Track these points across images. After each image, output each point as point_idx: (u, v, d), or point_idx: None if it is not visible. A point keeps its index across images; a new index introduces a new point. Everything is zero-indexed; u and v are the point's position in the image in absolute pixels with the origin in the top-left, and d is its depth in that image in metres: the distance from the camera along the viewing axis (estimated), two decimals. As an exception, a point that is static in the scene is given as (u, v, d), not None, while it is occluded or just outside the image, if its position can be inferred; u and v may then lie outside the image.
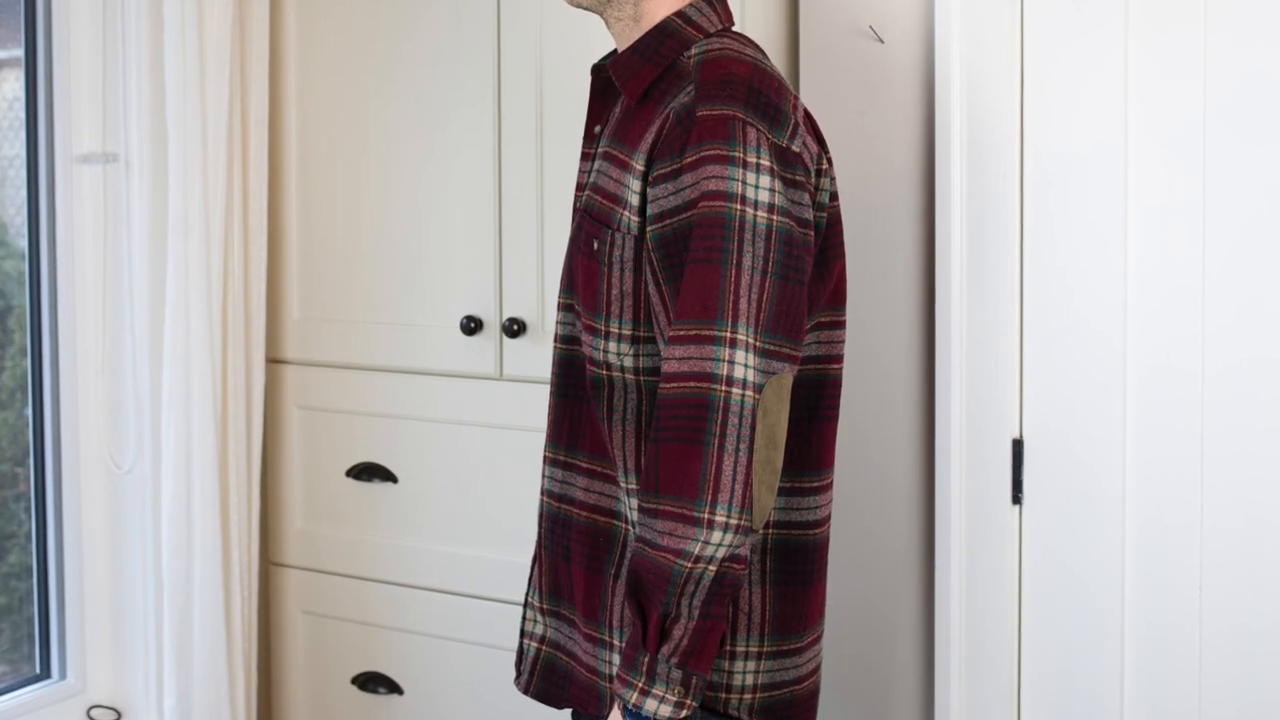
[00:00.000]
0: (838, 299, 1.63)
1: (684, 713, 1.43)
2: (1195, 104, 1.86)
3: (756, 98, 1.49)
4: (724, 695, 1.57)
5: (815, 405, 1.61)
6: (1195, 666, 1.89)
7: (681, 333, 1.43)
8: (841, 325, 1.64)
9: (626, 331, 1.55)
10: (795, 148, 1.50)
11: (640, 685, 1.43)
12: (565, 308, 1.65)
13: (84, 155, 2.45)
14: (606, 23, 1.64)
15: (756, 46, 1.61)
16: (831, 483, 1.64)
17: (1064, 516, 1.97)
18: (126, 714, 2.52)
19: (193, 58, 2.33)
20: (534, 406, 2.31)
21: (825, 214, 1.57)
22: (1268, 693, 1.85)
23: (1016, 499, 2.01)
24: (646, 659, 1.43)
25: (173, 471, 2.37)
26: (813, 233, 1.51)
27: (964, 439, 2.02)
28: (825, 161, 1.57)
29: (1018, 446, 2.00)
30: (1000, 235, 1.99)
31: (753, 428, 1.41)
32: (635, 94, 1.58)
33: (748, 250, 1.43)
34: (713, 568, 1.41)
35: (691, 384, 1.42)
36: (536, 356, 2.30)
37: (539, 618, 1.71)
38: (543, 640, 1.70)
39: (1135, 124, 1.90)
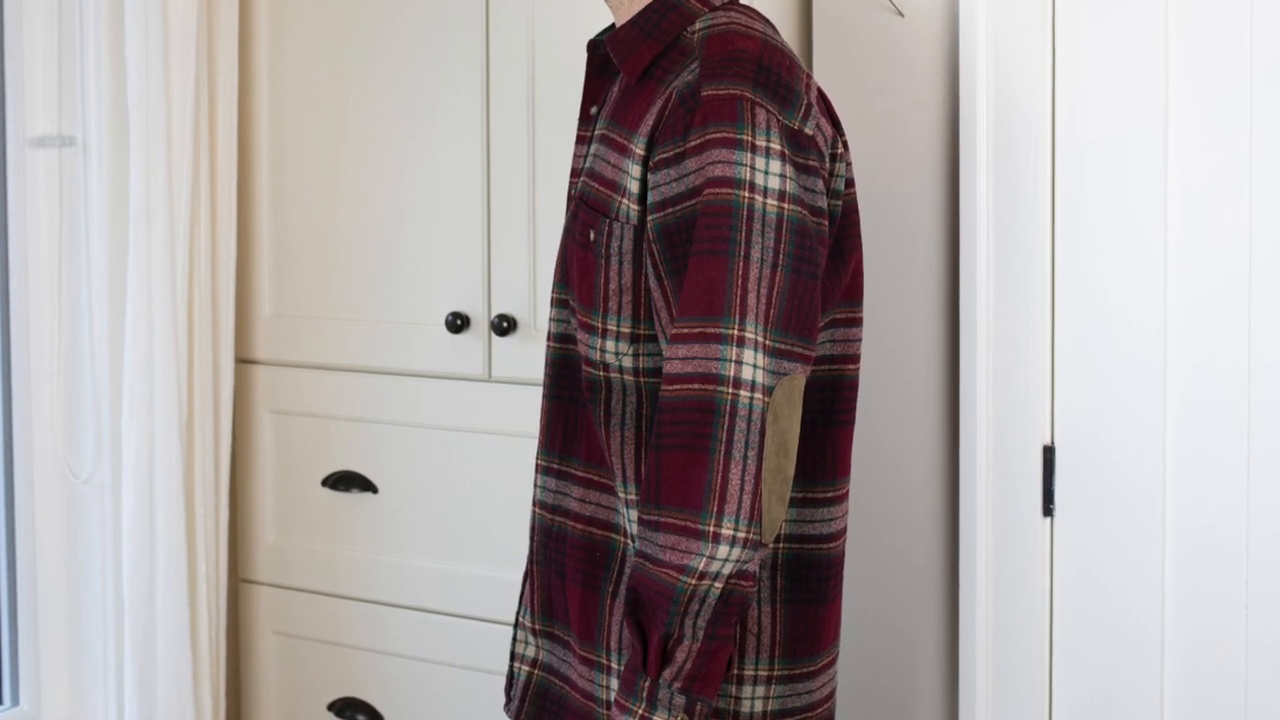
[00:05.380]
0: (854, 294, 1.63)
1: (688, 742, 1.44)
2: (1241, 76, 1.86)
3: (766, 76, 1.49)
4: (731, 723, 1.57)
5: (830, 409, 1.61)
6: (1241, 688, 1.89)
7: (685, 330, 1.43)
8: (858, 322, 1.64)
9: (625, 329, 1.55)
10: (808, 130, 1.50)
11: (640, 712, 1.43)
12: (559, 303, 1.65)
13: (38, 138, 2.45)
14: (603, -5, 1.65)
15: (766, 21, 1.61)
16: (847, 493, 1.64)
17: (1099, 529, 1.97)
18: (84, 743, 2.53)
19: (156, 33, 2.33)
20: (525, 410, 2.31)
21: (840, 202, 1.57)
22: (1319, 720, 1.86)
23: (1048, 510, 2.01)
24: (647, 684, 1.43)
25: (134, 481, 2.37)
26: (827, 222, 1.51)
27: (991, 445, 2.02)
28: (840, 145, 1.57)
29: (1049, 453, 2.00)
30: (1030, 223, 1.99)
31: (762, 433, 1.41)
32: (635, 72, 1.58)
33: (756, 241, 1.43)
34: (719, 585, 1.41)
35: (695, 386, 1.42)
36: (528, 356, 2.30)
37: (531, 639, 1.71)
38: (535, 663, 1.71)
39: (1176, 100, 1.90)
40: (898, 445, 2.12)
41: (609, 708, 1.59)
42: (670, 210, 1.48)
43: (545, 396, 1.67)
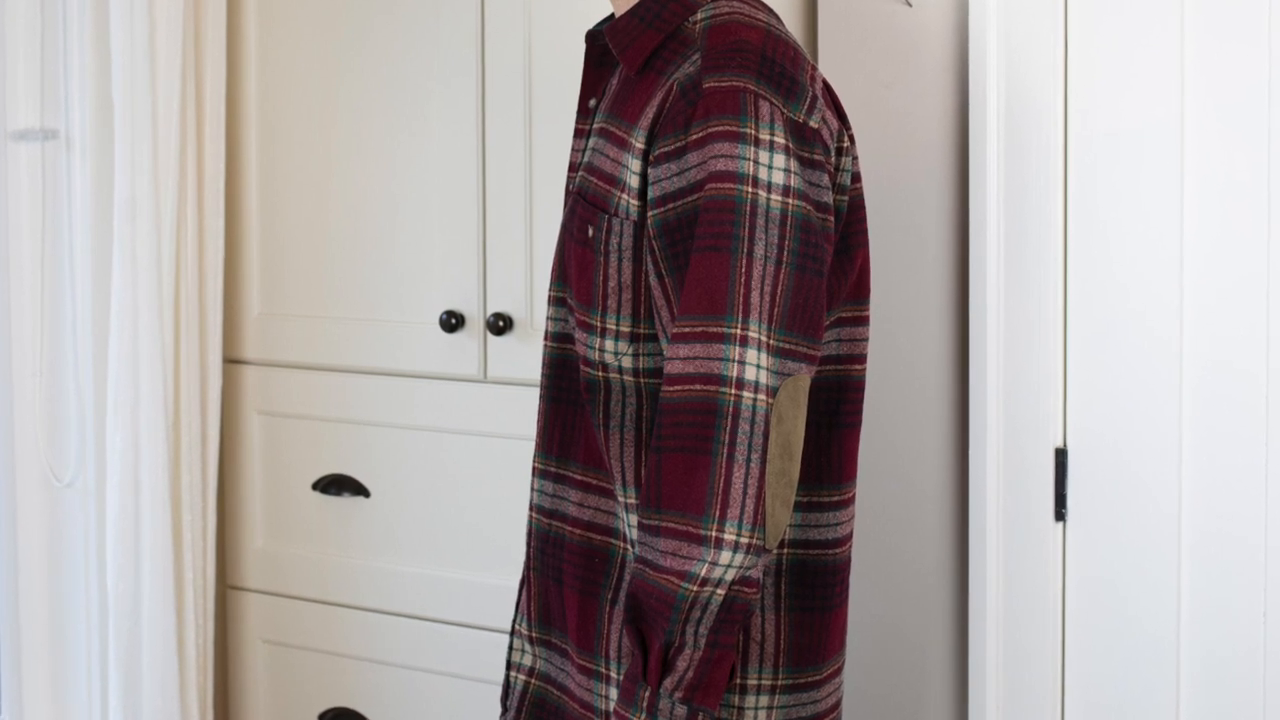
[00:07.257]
0: (860, 292, 1.63)
1: (689, 753, 1.43)
2: (1260, 69, 1.86)
3: (770, 68, 1.48)
4: (734, 734, 1.57)
5: (835, 410, 1.61)
6: (1259, 699, 1.89)
7: (686, 330, 1.43)
8: (864, 321, 1.64)
9: (625, 328, 1.54)
10: (813, 123, 1.50)
11: (640, 723, 1.43)
12: (557, 302, 1.65)
13: (20, 131, 2.45)
14: (602, -16, 1.64)
15: (770, 10, 1.60)
16: (853, 497, 1.64)
17: (1113, 534, 1.97)
18: (68, 755, 2.52)
19: (142, 24, 2.33)
20: (522, 411, 2.31)
21: (846, 197, 1.57)
22: (1340, 730, 1.85)
23: (1060, 515, 2.01)
24: (647, 693, 1.43)
25: (119, 484, 2.37)
26: (832, 218, 1.51)
27: (1001, 448, 2.02)
28: (847, 139, 1.57)
29: (1061, 456, 2.00)
30: (1041, 220, 1.99)
31: (765, 435, 1.41)
32: (634, 63, 1.58)
33: (760, 237, 1.43)
34: (721, 591, 1.41)
35: (697, 387, 1.42)
36: (525, 356, 2.30)
37: (527, 647, 1.71)
38: (531, 672, 1.70)
39: (1192, 94, 1.90)
40: (905, 447, 2.12)
41: (608, 718, 1.59)
42: (671, 205, 1.48)
43: (542, 398, 1.67)
